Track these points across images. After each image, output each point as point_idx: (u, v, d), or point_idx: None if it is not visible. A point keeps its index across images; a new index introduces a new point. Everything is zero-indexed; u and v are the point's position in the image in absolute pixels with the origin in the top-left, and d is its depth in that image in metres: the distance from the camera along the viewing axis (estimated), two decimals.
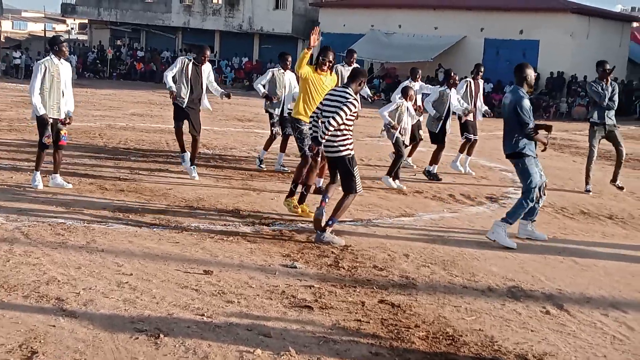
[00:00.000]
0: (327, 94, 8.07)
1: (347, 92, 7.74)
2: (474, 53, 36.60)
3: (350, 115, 7.66)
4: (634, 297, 6.38)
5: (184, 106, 10.62)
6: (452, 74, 12.15)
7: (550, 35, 34.18)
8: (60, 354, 4.51)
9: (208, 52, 10.84)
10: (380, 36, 38.99)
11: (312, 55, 8.96)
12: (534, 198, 7.96)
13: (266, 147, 12.17)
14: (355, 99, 7.74)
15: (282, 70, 11.78)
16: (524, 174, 7.96)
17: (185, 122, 10.82)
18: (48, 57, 9.42)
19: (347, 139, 7.77)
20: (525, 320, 5.62)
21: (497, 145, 18.25)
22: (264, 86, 11.79)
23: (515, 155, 7.98)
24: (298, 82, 10.24)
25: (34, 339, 4.69)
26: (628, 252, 8.00)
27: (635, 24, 43.61)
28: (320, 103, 8.05)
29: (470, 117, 12.60)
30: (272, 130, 11.92)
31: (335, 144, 7.75)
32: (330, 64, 9.08)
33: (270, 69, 12.04)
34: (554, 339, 5.26)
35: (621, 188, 11.65)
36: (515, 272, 6.92)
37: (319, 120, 7.83)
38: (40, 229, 7.42)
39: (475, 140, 12.78)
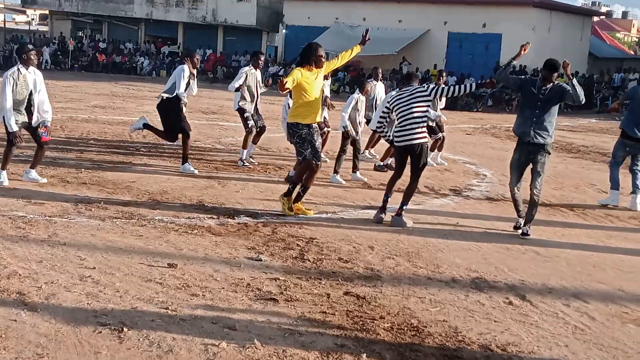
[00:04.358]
0: (398, 96, 8.50)
1: (419, 88, 8.46)
2: (438, 46, 36.90)
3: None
4: (595, 287, 6.48)
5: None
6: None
7: (512, 28, 34.47)
8: (22, 349, 4.44)
9: (198, 57, 11.35)
10: (344, 29, 39.01)
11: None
12: None
13: (245, 146, 11.89)
14: (426, 91, 8.42)
15: (254, 70, 11.77)
16: None
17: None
18: (15, 69, 9.07)
19: (425, 129, 8.42)
20: (489, 310, 5.68)
21: (461, 138, 18.49)
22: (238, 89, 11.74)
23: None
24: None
25: None
26: (589, 242, 8.12)
27: (595, 18, 44.21)
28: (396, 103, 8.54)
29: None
30: (247, 125, 11.72)
31: (416, 133, 8.30)
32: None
33: (244, 70, 11.89)
34: (517, 329, 5.32)
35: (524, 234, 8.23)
36: (478, 263, 6.98)
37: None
38: (1, 222, 7.30)
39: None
